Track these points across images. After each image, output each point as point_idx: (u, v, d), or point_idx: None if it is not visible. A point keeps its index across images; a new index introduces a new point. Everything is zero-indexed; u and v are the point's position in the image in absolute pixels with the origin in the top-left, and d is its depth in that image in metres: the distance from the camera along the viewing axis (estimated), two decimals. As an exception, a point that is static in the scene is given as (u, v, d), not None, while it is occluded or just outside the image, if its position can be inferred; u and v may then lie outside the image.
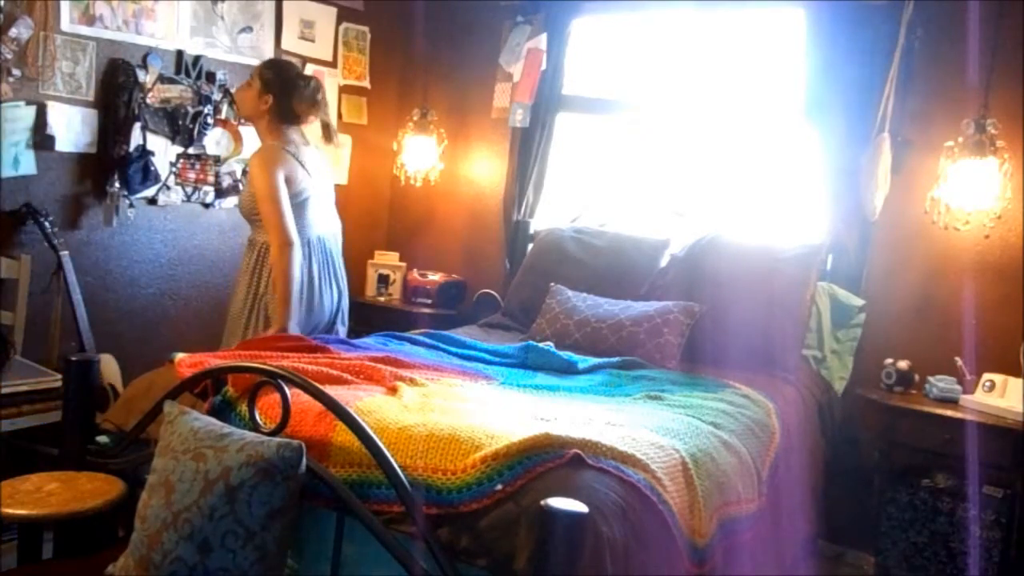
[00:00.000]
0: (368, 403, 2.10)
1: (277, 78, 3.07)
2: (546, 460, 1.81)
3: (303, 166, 3.03)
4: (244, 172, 3.96)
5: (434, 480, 1.80)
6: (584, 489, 1.74)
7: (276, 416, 1.97)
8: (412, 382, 2.38)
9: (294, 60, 4.23)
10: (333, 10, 4.40)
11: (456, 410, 2.13)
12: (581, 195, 4.35)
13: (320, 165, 3.19)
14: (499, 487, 1.74)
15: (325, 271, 3.13)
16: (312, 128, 3.18)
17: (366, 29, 4.59)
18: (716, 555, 2.05)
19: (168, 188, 3.78)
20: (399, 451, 1.86)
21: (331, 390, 2.00)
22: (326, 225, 3.18)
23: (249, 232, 3.15)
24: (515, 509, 1.71)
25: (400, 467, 1.79)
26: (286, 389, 1.95)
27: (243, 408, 2.08)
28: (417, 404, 2.17)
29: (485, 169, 4.59)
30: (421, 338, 3.09)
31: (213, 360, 2.30)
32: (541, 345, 3.04)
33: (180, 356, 2.38)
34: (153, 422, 2.16)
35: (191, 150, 3.81)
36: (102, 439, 2.32)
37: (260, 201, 2.94)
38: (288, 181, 2.96)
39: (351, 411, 1.90)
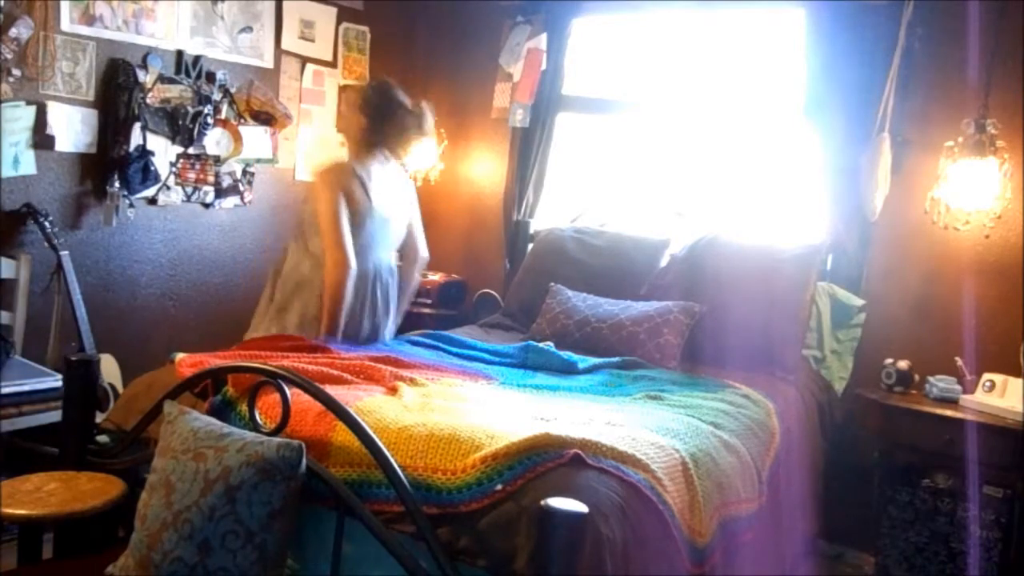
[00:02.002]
0: (368, 403, 2.10)
1: (377, 102, 2.99)
2: (546, 460, 1.81)
3: (367, 191, 2.92)
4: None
5: (434, 480, 1.80)
6: (584, 489, 1.74)
7: (276, 416, 1.97)
8: (412, 382, 2.38)
9: (295, 58, 4.25)
10: (333, 10, 4.40)
11: (456, 410, 2.13)
12: (581, 195, 4.35)
13: (394, 196, 3.07)
14: (499, 487, 1.74)
15: (360, 301, 3.00)
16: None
17: (366, 29, 4.58)
18: (716, 555, 2.05)
19: (168, 188, 3.78)
20: (399, 451, 1.86)
21: (331, 390, 2.01)
22: (377, 257, 3.06)
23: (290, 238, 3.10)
24: (515, 509, 1.71)
25: (400, 467, 1.80)
26: (286, 389, 1.95)
27: (243, 408, 2.08)
28: (417, 404, 2.17)
29: (485, 169, 4.59)
30: (421, 338, 3.09)
31: (213, 360, 2.30)
32: (541, 345, 3.04)
33: (180, 356, 2.38)
34: (153, 422, 2.16)
35: (191, 150, 3.81)
36: (102, 439, 2.32)
37: (320, 219, 2.88)
38: (347, 198, 2.88)
39: (351, 411, 1.90)
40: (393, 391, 2.28)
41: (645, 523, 1.82)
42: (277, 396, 1.97)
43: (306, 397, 1.97)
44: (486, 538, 1.71)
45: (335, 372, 2.35)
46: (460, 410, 2.14)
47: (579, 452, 1.85)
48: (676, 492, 1.97)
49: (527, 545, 1.61)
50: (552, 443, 1.84)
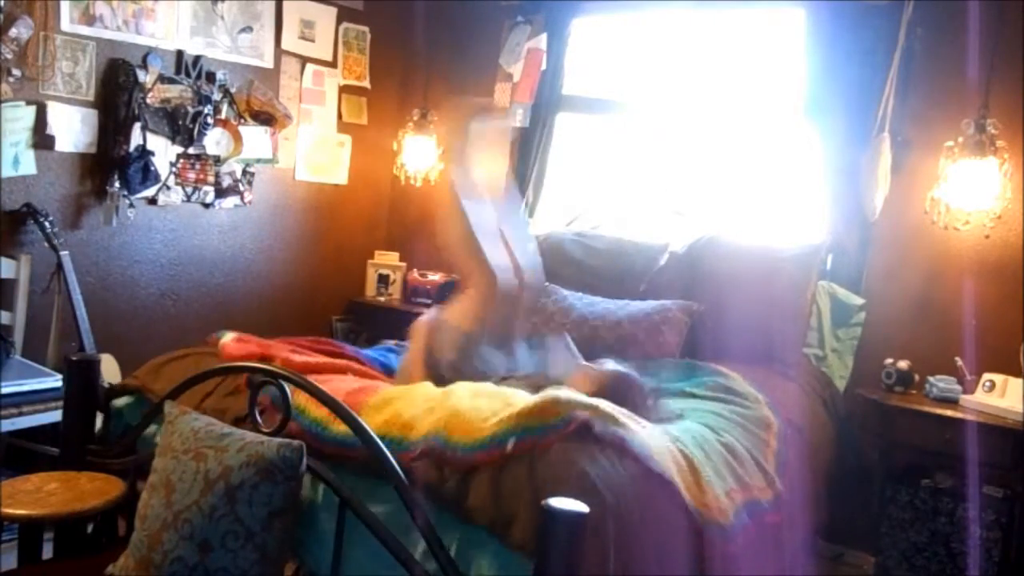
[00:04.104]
0: (393, 391, 2.18)
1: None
2: (557, 429, 1.87)
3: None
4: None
5: (452, 438, 1.85)
6: (591, 466, 1.81)
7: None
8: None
9: (295, 58, 4.25)
10: (333, 10, 4.40)
11: (476, 395, 2.19)
12: (581, 195, 4.35)
13: None
14: (511, 444, 1.81)
15: None
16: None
17: (366, 29, 4.59)
18: (742, 535, 2.09)
19: (168, 188, 3.78)
20: (422, 421, 1.93)
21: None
22: None
23: None
24: (523, 474, 1.75)
25: (423, 432, 1.88)
26: (287, 389, 1.96)
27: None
28: (437, 396, 2.21)
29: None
30: None
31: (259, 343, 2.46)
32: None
33: (228, 336, 2.46)
34: (182, 393, 2.16)
35: (191, 150, 3.81)
36: (121, 401, 2.33)
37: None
38: None
39: (347, 403, 1.93)
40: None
41: (653, 496, 1.89)
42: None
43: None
44: (486, 504, 1.76)
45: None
46: (481, 393, 2.19)
47: (587, 419, 1.91)
48: (676, 469, 2.02)
49: (524, 516, 1.67)
50: (561, 407, 1.91)
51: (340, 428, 1.94)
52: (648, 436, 2.03)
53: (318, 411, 2.00)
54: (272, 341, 2.61)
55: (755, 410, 2.67)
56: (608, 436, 1.92)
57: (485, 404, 2.02)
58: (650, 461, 1.93)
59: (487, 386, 2.29)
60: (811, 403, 3.12)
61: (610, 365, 2.58)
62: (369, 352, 3.00)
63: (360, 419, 1.89)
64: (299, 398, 2.01)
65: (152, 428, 2.23)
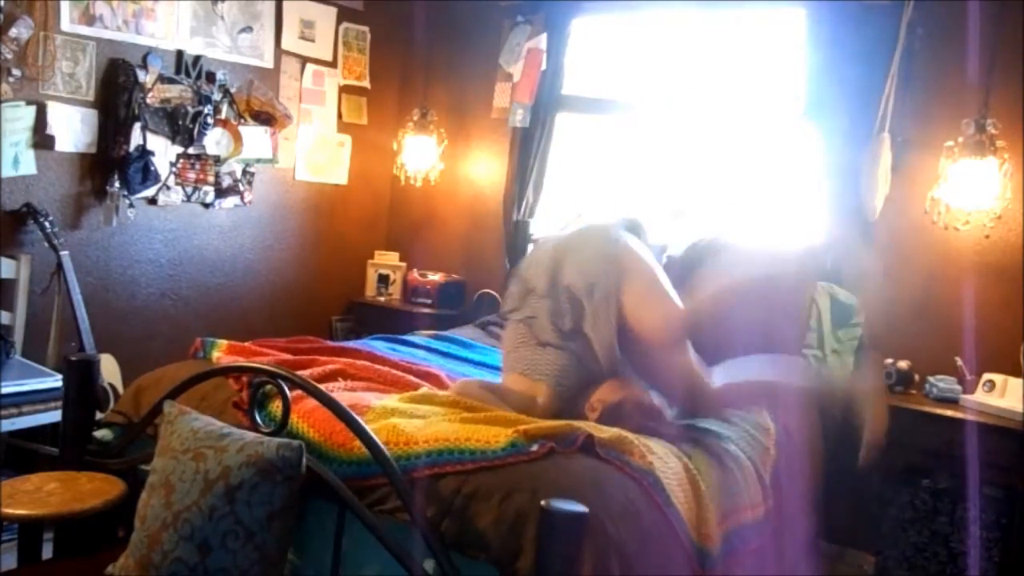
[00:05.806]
0: (389, 403, 2.16)
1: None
2: (566, 446, 1.90)
3: None
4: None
5: (467, 445, 1.85)
6: (594, 482, 1.80)
7: (319, 424, 1.98)
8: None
9: (295, 58, 4.25)
10: (333, 10, 4.40)
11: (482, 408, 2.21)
12: (581, 195, 4.34)
13: None
14: (535, 447, 1.84)
15: None
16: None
17: (366, 29, 4.59)
18: (726, 563, 2.05)
19: (168, 188, 3.78)
20: (429, 429, 1.91)
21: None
22: None
23: None
24: (526, 503, 1.71)
25: (433, 440, 1.87)
26: (286, 389, 1.96)
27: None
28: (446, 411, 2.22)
29: (485, 169, 4.59)
30: (435, 344, 3.13)
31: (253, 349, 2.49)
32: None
33: (222, 344, 2.47)
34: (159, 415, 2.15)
35: (191, 150, 3.81)
36: (101, 433, 2.31)
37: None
38: None
39: (349, 410, 1.91)
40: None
41: (652, 521, 1.86)
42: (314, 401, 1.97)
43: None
44: (491, 533, 1.72)
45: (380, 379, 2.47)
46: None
47: (591, 435, 1.92)
48: (683, 496, 1.98)
49: (532, 546, 1.63)
50: (574, 430, 1.93)
51: (338, 452, 1.92)
52: (659, 460, 2.01)
53: (313, 433, 1.97)
54: (266, 348, 2.58)
55: (757, 416, 2.67)
56: (610, 459, 1.91)
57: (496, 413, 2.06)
58: (660, 495, 1.91)
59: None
60: (807, 408, 3.11)
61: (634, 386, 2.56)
62: (417, 357, 2.91)
63: (362, 421, 1.89)
64: (291, 416, 1.98)
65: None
